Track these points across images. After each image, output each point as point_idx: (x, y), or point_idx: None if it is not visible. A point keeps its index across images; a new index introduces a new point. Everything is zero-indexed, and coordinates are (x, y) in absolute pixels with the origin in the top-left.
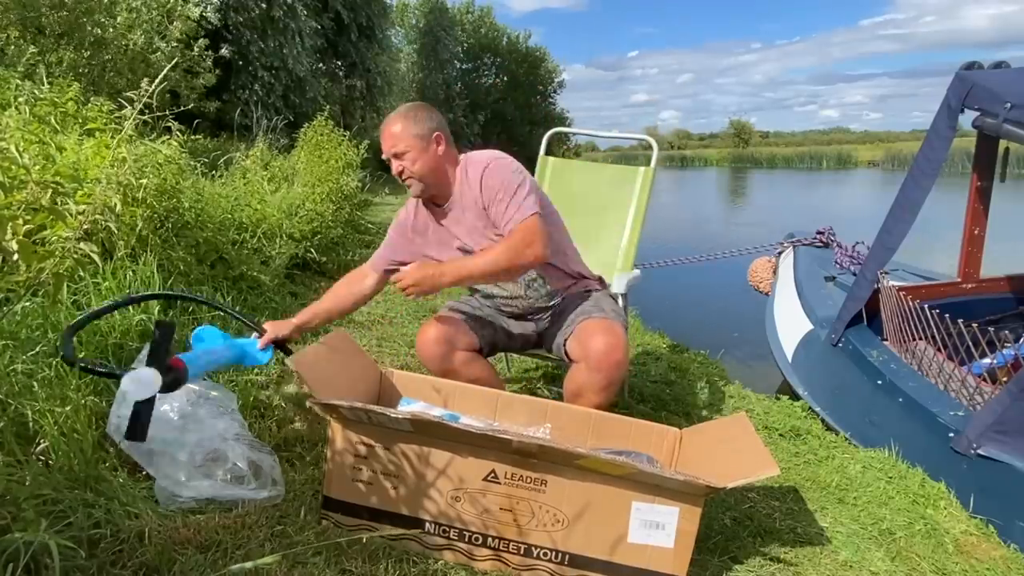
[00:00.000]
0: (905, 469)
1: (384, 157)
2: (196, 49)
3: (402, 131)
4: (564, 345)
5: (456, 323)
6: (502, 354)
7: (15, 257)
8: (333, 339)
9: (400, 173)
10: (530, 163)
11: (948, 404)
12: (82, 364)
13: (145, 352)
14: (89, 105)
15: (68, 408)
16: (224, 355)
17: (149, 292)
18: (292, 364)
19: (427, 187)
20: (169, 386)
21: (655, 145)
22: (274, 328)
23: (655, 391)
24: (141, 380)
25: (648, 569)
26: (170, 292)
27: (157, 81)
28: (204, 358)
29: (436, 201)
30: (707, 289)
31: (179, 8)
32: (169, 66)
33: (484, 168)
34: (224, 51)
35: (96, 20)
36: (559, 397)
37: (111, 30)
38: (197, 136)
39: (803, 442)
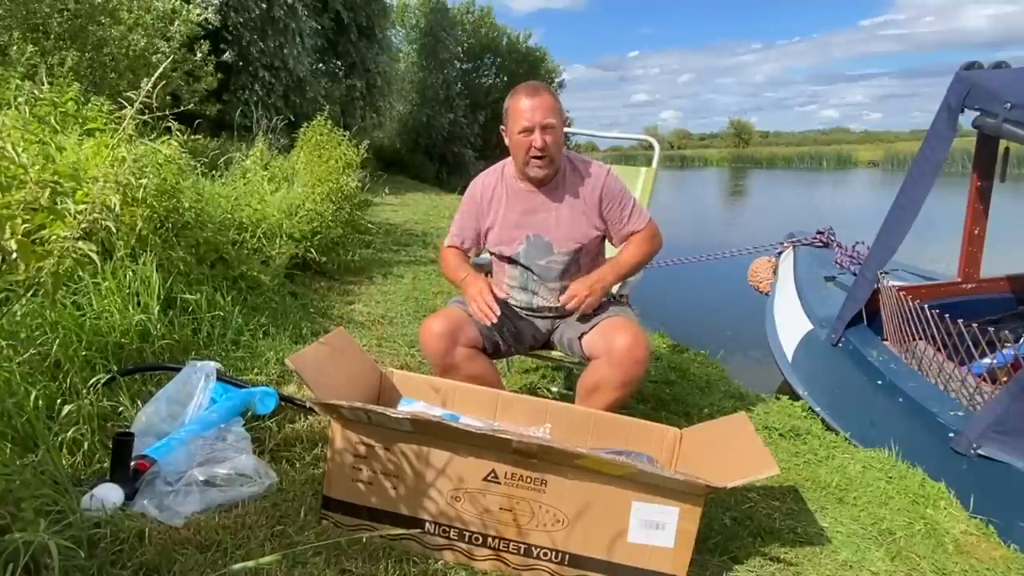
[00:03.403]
0: (905, 469)
1: (525, 127)
2: (199, 54)
3: (554, 103)
4: (581, 340)
5: (461, 318)
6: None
7: (14, 256)
8: (333, 339)
9: (543, 148)
10: None
11: (948, 404)
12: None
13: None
14: (89, 105)
15: (68, 408)
16: (211, 419)
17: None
18: (291, 363)
19: (554, 170)
20: (134, 493)
21: (657, 145)
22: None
23: (655, 391)
24: (106, 496)
25: (648, 569)
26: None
27: (153, 78)
28: (186, 433)
29: (538, 183)
30: (707, 289)
31: (182, 13)
32: (166, 62)
33: (608, 172)
34: (227, 56)
35: (98, 22)
36: (559, 397)
37: (113, 31)
38: (197, 136)
39: (803, 442)
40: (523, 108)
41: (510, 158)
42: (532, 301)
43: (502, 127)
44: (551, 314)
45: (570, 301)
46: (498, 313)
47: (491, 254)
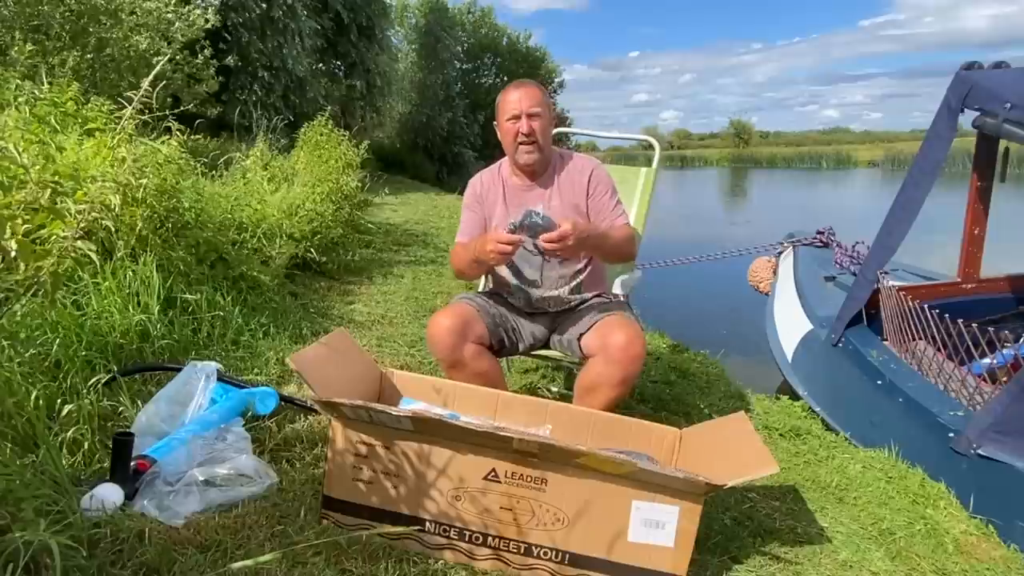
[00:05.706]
0: (905, 469)
1: (513, 115)
2: (201, 58)
3: (540, 94)
4: (579, 340)
5: (470, 315)
6: None
7: (14, 256)
8: (333, 339)
9: (530, 133)
10: None
11: (948, 404)
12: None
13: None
14: (89, 105)
15: (68, 408)
16: (211, 419)
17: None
18: (292, 362)
19: (542, 158)
20: (134, 493)
21: (657, 145)
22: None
23: (655, 391)
24: (106, 496)
25: (648, 568)
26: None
27: (151, 77)
28: (186, 433)
29: (531, 174)
30: (707, 289)
31: (182, 14)
32: (164, 60)
33: (596, 165)
34: (229, 60)
35: (99, 22)
36: (559, 397)
37: (115, 32)
38: (197, 136)
39: (803, 442)
40: (510, 99)
41: (506, 157)
42: (532, 295)
43: (495, 123)
44: (553, 308)
45: (561, 236)
46: (514, 242)
47: None
